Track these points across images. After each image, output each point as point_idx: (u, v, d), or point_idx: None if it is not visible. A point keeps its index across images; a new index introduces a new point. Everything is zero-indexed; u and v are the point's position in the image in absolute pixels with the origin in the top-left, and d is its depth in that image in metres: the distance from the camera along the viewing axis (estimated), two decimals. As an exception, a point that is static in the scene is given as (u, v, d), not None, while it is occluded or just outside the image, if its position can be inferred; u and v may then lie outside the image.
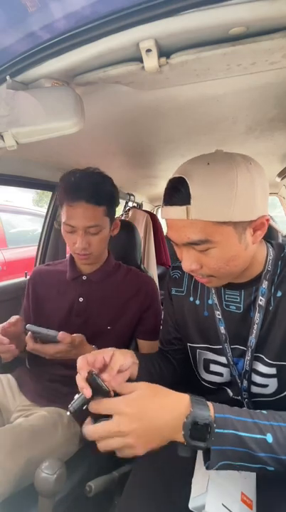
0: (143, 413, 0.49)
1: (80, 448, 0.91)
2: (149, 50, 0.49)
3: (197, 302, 0.76)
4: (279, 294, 0.65)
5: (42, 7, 0.43)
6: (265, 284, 0.66)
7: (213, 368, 0.75)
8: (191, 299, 0.78)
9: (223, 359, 0.73)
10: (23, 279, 1.59)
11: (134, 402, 0.50)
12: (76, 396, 0.54)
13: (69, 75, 0.57)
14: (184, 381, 0.83)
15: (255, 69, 0.58)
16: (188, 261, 0.62)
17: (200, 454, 0.63)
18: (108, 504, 0.84)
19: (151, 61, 0.51)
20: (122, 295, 1.02)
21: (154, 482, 0.66)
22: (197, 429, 0.48)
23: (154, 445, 0.49)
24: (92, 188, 0.88)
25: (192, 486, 0.59)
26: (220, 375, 0.74)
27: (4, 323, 0.86)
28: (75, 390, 0.85)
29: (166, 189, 0.61)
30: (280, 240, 1.19)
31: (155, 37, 0.47)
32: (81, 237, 0.90)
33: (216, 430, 0.48)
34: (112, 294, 1.02)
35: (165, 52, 0.51)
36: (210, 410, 0.50)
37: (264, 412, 0.53)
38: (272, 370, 0.66)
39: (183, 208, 0.56)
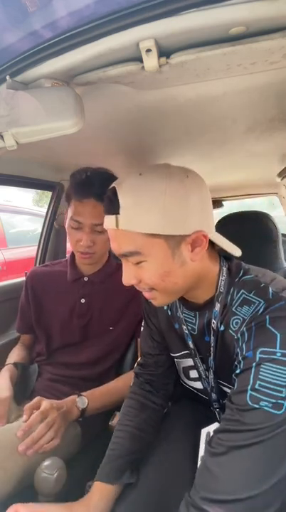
0: None
1: (80, 448, 0.91)
2: (149, 50, 0.49)
3: (169, 312, 0.74)
4: (222, 328, 0.61)
5: (42, 7, 0.43)
6: (217, 307, 0.61)
7: (193, 374, 0.73)
8: (165, 307, 0.75)
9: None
10: (22, 279, 1.58)
11: None
12: None
13: (69, 74, 0.57)
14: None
15: (255, 69, 0.58)
16: (127, 274, 0.59)
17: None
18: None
19: (151, 61, 0.51)
20: (124, 295, 1.01)
21: (153, 486, 0.66)
22: None
23: None
24: (102, 186, 0.86)
25: None
26: (198, 380, 0.73)
27: None
28: (75, 389, 0.84)
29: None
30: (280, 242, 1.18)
31: (155, 37, 0.47)
32: (87, 235, 0.90)
33: None
34: (114, 295, 1.01)
35: (165, 52, 0.51)
36: None
37: None
38: None
39: (113, 217, 0.54)
